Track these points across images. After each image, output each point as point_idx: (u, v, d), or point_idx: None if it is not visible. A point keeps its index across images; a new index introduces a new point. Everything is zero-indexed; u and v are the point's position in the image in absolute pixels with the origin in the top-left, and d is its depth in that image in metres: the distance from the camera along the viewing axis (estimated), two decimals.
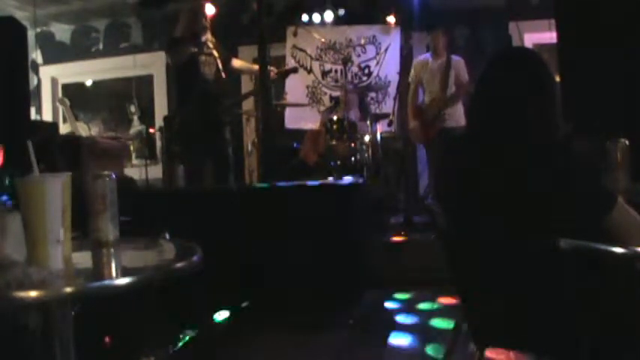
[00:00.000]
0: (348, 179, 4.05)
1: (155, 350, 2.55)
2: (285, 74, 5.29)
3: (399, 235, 4.35)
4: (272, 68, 4.77)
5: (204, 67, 4.46)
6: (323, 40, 6.28)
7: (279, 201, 3.49)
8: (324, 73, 6.59)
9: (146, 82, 7.40)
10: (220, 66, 4.55)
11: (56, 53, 7.58)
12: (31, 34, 6.51)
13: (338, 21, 6.55)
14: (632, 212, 1.44)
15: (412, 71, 5.51)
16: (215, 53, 4.54)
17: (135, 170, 6.26)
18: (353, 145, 4.93)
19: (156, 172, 6.39)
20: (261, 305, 3.16)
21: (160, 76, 7.24)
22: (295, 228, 3.30)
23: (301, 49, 6.57)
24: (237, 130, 6.06)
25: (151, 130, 7.04)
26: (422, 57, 5.57)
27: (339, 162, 4.93)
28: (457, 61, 5.26)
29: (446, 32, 5.38)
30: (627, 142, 2.12)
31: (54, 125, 5.85)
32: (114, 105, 7.60)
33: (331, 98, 6.41)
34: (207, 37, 4.53)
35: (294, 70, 5.43)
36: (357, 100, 5.60)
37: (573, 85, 3.37)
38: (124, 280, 1.03)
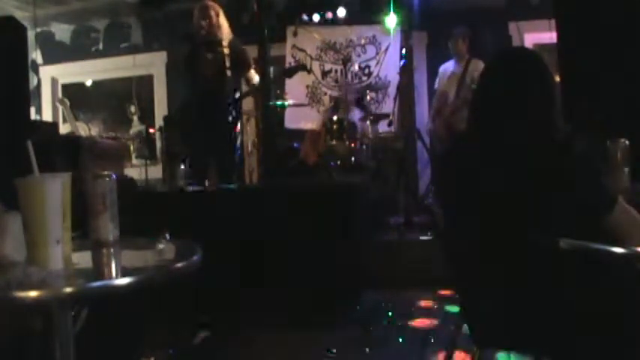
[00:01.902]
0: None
1: (155, 350, 2.55)
2: (292, 71, 5.26)
3: (398, 235, 4.35)
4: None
5: (206, 66, 4.43)
6: (323, 40, 6.29)
7: (279, 201, 3.49)
8: (324, 73, 6.59)
9: (146, 82, 7.40)
10: (228, 65, 4.48)
11: (56, 53, 7.58)
12: (31, 34, 6.52)
13: (338, 21, 6.55)
14: (633, 212, 1.44)
15: (437, 78, 5.69)
16: (226, 51, 4.44)
17: (135, 170, 6.25)
18: (353, 145, 4.92)
19: (156, 172, 6.37)
20: (261, 305, 3.16)
21: (160, 76, 7.24)
22: (295, 228, 3.30)
23: (301, 49, 6.56)
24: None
25: (151, 130, 7.03)
26: (446, 64, 5.66)
27: (339, 162, 4.93)
28: (475, 63, 5.28)
29: (465, 36, 5.42)
30: (627, 142, 2.12)
31: (54, 125, 5.83)
32: (114, 105, 7.60)
33: (331, 98, 6.41)
34: (222, 35, 4.43)
35: (303, 68, 5.39)
36: (357, 100, 5.60)
37: (573, 85, 3.37)
38: (124, 280, 1.03)
